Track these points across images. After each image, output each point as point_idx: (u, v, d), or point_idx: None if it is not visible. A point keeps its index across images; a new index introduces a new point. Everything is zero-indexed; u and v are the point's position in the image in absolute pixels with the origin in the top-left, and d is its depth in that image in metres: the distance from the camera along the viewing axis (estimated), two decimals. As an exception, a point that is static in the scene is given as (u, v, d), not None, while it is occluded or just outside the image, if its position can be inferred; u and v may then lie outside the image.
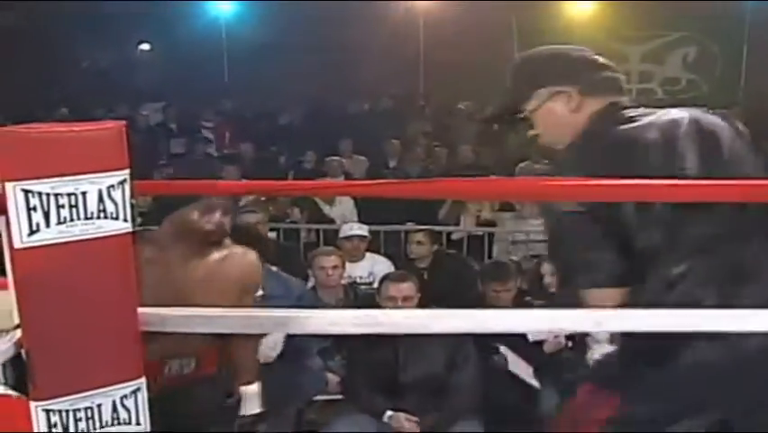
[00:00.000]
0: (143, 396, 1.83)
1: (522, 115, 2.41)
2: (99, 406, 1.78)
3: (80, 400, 1.76)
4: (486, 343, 4.56)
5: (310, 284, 5.48)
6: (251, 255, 3.50)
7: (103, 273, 1.73)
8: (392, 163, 10.39)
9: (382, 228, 6.82)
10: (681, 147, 2.17)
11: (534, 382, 4.63)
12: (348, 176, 9.15)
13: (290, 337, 4.43)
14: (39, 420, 1.74)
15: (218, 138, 12.66)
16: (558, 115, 2.33)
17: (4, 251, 1.73)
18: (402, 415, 4.37)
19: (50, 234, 1.66)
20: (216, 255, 3.36)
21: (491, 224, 7.33)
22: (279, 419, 4.42)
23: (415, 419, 4.35)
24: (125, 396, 1.81)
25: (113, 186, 1.69)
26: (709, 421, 2.15)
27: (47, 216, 1.65)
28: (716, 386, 2.11)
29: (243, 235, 3.56)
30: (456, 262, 6.47)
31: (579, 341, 4.60)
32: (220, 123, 13.05)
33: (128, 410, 1.82)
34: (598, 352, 4.66)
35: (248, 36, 14.98)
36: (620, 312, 1.93)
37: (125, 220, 1.73)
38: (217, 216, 3.26)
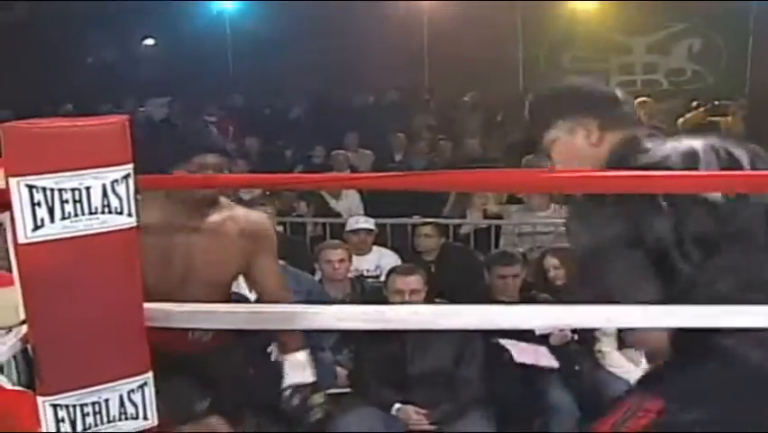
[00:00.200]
0: (150, 390, 1.83)
1: (541, 147, 2.45)
2: (107, 401, 1.78)
3: (87, 395, 1.76)
4: (491, 340, 4.55)
5: (317, 278, 5.48)
6: (256, 214, 3.41)
7: (108, 268, 1.73)
8: (398, 157, 10.39)
9: (389, 221, 6.81)
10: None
11: (552, 363, 4.60)
12: (354, 170, 9.15)
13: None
14: (46, 415, 1.74)
15: (222, 132, 12.64)
16: (577, 148, 2.36)
17: (9, 247, 1.73)
18: (410, 408, 4.37)
19: (55, 230, 1.66)
20: (216, 217, 3.20)
21: (498, 217, 7.31)
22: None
23: (423, 411, 4.35)
24: (132, 390, 1.81)
25: (117, 180, 1.69)
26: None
27: (51, 211, 1.64)
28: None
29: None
30: (464, 254, 6.46)
31: (585, 333, 4.60)
32: (223, 117, 13.04)
33: (135, 405, 1.82)
34: (605, 345, 4.67)
35: (252, 31, 14.97)
36: (631, 308, 1.92)
37: (130, 215, 1.73)
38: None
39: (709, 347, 2.07)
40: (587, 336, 4.58)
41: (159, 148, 3.19)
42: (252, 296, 4.73)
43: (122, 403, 1.80)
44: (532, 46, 15.06)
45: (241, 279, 4.68)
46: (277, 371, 3.43)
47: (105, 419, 1.79)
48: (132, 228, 1.74)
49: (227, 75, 15.85)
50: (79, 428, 1.76)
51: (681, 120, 10.30)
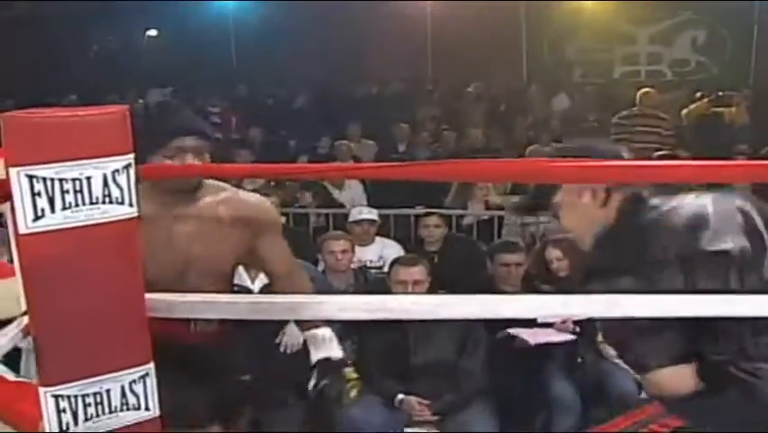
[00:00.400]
0: (152, 381, 1.83)
1: (548, 208, 2.51)
2: (108, 391, 1.78)
3: (89, 386, 1.76)
4: (499, 333, 4.55)
5: (320, 268, 5.48)
6: (253, 196, 3.25)
7: (109, 259, 1.73)
8: (401, 147, 10.38)
9: (392, 212, 6.81)
10: (713, 226, 2.19)
11: (567, 336, 4.60)
12: (356, 160, 9.14)
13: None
14: (48, 406, 1.74)
15: (225, 123, 12.65)
16: (585, 207, 2.39)
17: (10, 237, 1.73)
18: (413, 399, 4.37)
19: (56, 220, 1.65)
20: (205, 202, 3.00)
21: (500, 208, 7.31)
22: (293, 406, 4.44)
23: (426, 402, 4.35)
24: (134, 381, 1.81)
25: (117, 170, 1.68)
26: None
27: (52, 201, 1.64)
28: None
29: None
30: (467, 245, 6.46)
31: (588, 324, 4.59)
32: (226, 108, 13.04)
33: (137, 396, 1.81)
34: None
35: (255, 21, 14.97)
36: (634, 296, 1.91)
37: (131, 205, 1.72)
38: (189, 159, 2.89)
39: (732, 377, 2.11)
40: (589, 327, 4.57)
41: (135, 133, 3.02)
42: (256, 285, 4.74)
43: (123, 394, 1.79)
44: (535, 36, 15.04)
45: (242, 271, 4.72)
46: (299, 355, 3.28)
47: (106, 410, 1.78)
48: (133, 218, 1.73)
49: (230, 66, 15.85)
50: (81, 418, 1.76)
51: (684, 111, 10.29)
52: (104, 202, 1.68)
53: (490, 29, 13.76)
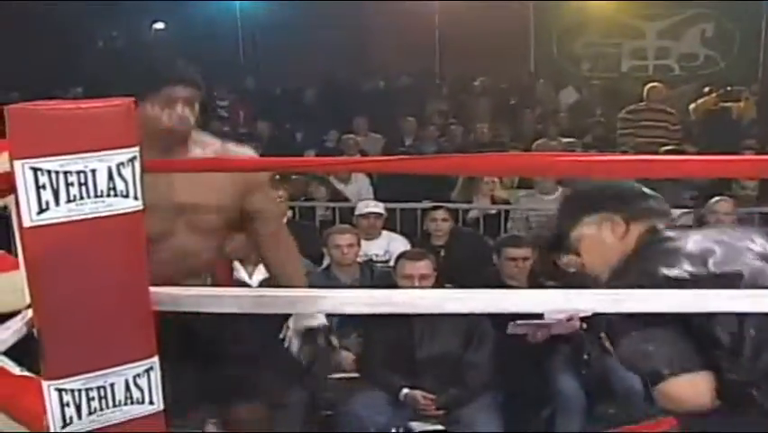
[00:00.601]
0: (156, 375, 1.83)
1: (569, 243, 2.54)
2: (112, 385, 1.78)
3: (93, 380, 1.75)
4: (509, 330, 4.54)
5: (326, 262, 5.48)
6: (241, 148, 3.12)
7: (114, 252, 1.72)
8: (408, 141, 10.38)
9: (398, 206, 6.80)
10: (723, 252, 2.21)
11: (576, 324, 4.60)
12: (363, 154, 9.13)
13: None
14: (51, 399, 1.74)
15: (233, 116, 12.66)
16: (604, 242, 2.44)
17: (14, 230, 1.72)
18: (418, 393, 4.36)
19: (60, 213, 1.64)
20: (197, 152, 2.92)
21: (506, 202, 7.30)
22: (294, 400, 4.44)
23: (431, 396, 4.35)
24: (138, 375, 1.80)
25: (122, 163, 1.67)
26: None
27: (56, 194, 1.63)
28: None
29: None
30: (473, 239, 6.45)
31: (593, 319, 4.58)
32: (234, 101, 13.04)
33: (141, 389, 1.81)
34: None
35: (263, 15, 14.96)
36: (639, 292, 1.91)
37: (136, 198, 1.71)
38: (178, 109, 2.81)
39: (752, 399, 2.11)
40: (594, 323, 4.56)
41: (124, 81, 2.82)
42: (254, 280, 4.75)
43: (127, 388, 1.79)
44: (544, 30, 15.02)
45: (240, 266, 4.72)
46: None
47: (110, 404, 1.78)
48: (138, 212, 1.72)
49: (238, 59, 15.85)
50: (84, 412, 1.75)
51: (692, 106, 10.27)
52: (108, 195, 1.68)
53: (498, 23, 13.74)
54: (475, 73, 13.41)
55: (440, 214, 6.15)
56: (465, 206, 7.18)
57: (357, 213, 6.16)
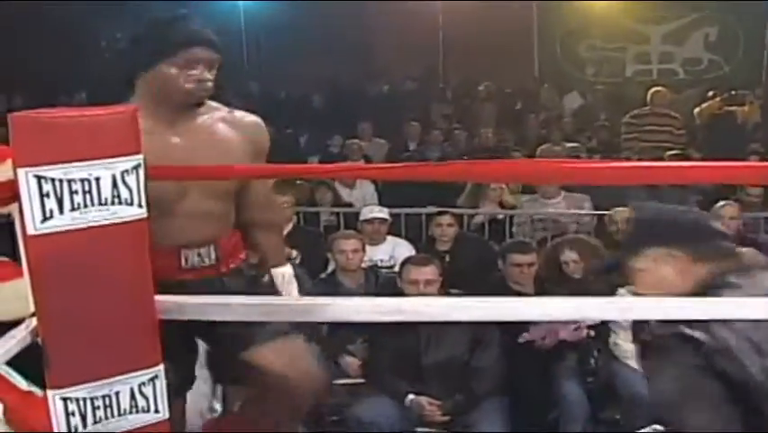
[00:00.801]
0: (161, 383, 1.82)
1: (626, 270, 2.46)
2: (117, 394, 1.77)
3: (98, 388, 1.75)
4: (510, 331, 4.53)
5: (331, 268, 5.47)
6: (245, 114, 3.10)
7: (118, 260, 1.72)
8: (412, 146, 10.36)
9: (403, 211, 6.79)
10: None
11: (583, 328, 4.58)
12: (368, 159, 9.12)
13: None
14: (56, 408, 1.73)
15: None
16: (664, 278, 2.35)
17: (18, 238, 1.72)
18: (424, 399, 4.35)
19: (64, 221, 1.64)
20: (207, 118, 2.88)
21: (512, 208, 7.29)
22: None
23: (436, 402, 4.34)
24: (143, 383, 1.80)
25: (127, 171, 1.67)
26: None
27: (60, 202, 1.62)
28: None
29: None
30: (478, 244, 6.43)
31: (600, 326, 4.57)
32: (238, 105, 13.01)
33: (146, 398, 1.80)
34: (621, 338, 4.63)
35: (267, 18, 14.95)
36: (645, 301, 1.90)
37: (140, 206, 1.71)
38: (198, 71, 2.75)
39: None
40: (602, 330, 4.55)
41: (142, 45, 2.79)
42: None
43: (132, 396, 1.79)
44: (548, 34, 14.99)
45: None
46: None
47: (115, 413, 1.77)
48: (142, 219, 1.72)
49: (242, 63, 15.84)
50: (90, 421, 1.75)
51: (696, 110, 10.24)
52: (113, 203, 1.67)
53: (502, 27, 13.71)
54: (479, 77, 13.38)
55: (445, 219, 6.14)
56: (470, 211, 7.16)
57: (362, 218, 6.14)
